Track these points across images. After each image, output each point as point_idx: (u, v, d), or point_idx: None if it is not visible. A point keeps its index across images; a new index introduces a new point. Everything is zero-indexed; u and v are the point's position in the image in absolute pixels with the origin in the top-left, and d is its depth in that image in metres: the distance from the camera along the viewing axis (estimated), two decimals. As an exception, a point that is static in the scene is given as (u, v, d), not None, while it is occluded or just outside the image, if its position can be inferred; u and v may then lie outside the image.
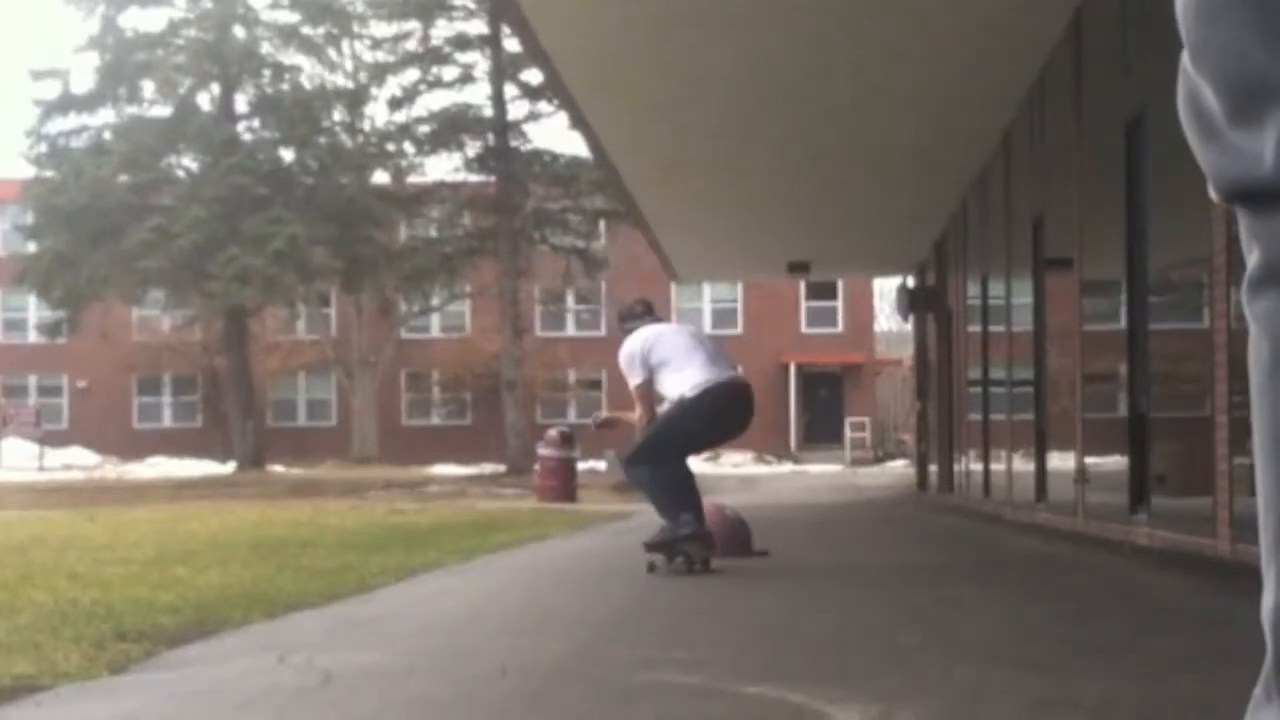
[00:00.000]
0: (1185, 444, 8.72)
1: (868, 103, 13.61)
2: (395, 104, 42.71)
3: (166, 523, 14.59)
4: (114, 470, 43.00)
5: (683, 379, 8.75)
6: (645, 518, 15.78)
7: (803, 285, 46.24)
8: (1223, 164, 1.07)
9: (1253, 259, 1.07)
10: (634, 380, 8.86)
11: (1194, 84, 1.10)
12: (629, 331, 9.00)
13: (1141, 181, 9.17)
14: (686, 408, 8.68)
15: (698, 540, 8.34)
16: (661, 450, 8.68)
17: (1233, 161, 1.06)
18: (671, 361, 8.80)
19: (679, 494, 8.55)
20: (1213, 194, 1.11)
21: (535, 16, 11.10)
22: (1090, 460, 10.80)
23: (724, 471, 37.57)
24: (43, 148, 42.34)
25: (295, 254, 39.94)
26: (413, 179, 45.11)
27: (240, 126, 43.21)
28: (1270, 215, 1.04)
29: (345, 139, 43.83)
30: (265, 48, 43.26)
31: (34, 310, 48.73)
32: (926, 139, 14.92)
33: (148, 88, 42.23)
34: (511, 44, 36.49)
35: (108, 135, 42.22)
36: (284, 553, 9.70)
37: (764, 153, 15.96)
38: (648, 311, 9.29)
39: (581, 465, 23.56)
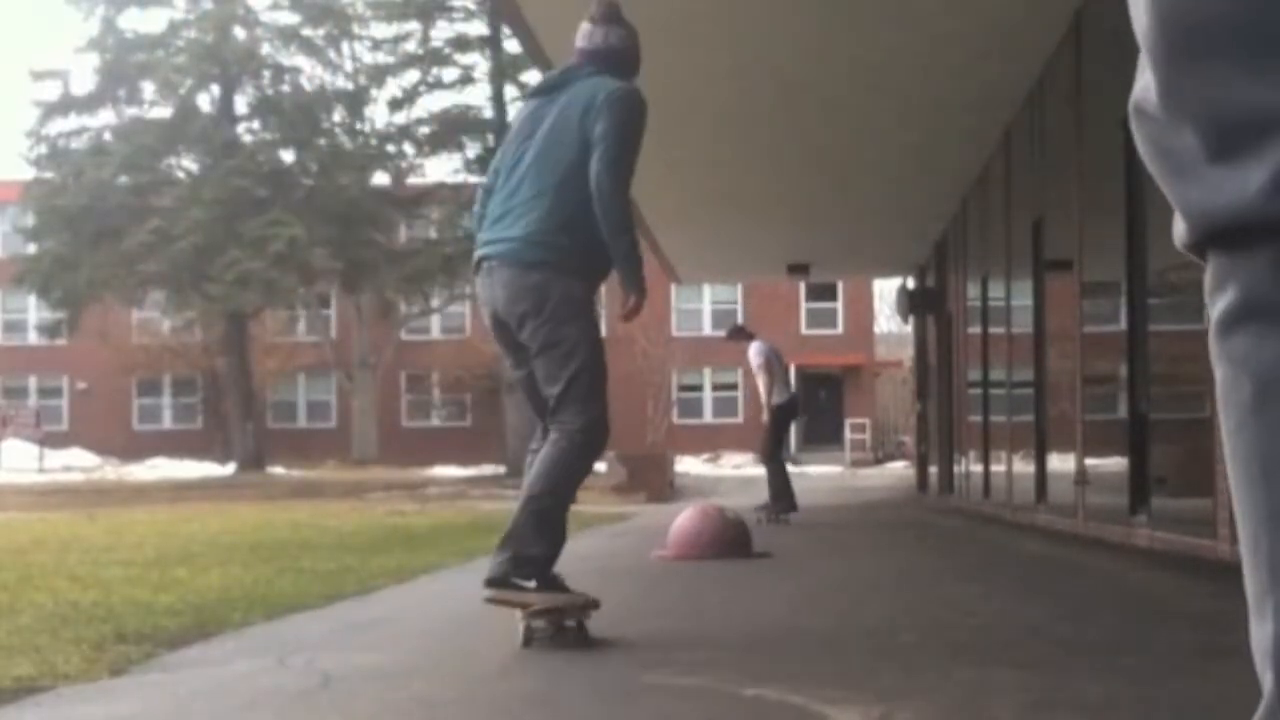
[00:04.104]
0: (1185, 446, 8.72)
1: (868, 103, 13.61)
2: (395, 105, 42.73)
3: (166, 524, 14.59)
4: (114, 472, 43.00)
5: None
6: (644, 519, 15.79)
7: (802, 286, 46.24)
8: (1201, 201, 1.06)
9: (1226, 299, 1.06)
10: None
11: (1157, 124, 1.09)
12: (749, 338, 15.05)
13: (1141, 182, 9.16)
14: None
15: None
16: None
17: (1211, 197, 1.05)
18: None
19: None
20: (1180, 238, 1.10)
21: (535, 18, 11.11)
22: (1090, 462, 10.80)
23: (724, 473, 37.61)
24: (43, 149, 42.36)
25: (296, 256, 39.95)
26: (413, 180, 45.12)
27: (240, 128, 43.23)
28: (1249, 252, 1.04)
29: (345, 140, 43.84)
30: (265, 49, 43.27)
31: (34, 312, 48.75)
32: (926, 139, 14.93)
33: (148, 89, 42.25)
34: (511, 45, 36.50)
35: (108, 136, 42.25)
36: (284, 554, 9.70)
37: (764, 152, 15.96)
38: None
39: (581, 467, 23.54)
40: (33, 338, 49.66)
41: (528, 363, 5.05)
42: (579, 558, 10.29)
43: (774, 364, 14.74)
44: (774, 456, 15.08)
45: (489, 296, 5.04)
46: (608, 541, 12.12)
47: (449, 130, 42.05)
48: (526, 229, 4.95)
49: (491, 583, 4.91)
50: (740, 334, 15.17)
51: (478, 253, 5.10)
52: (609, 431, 5.06)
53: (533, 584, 4.86)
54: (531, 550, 4.86)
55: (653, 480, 24.59)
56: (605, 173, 4.88)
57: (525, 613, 4.89)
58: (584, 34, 5.23)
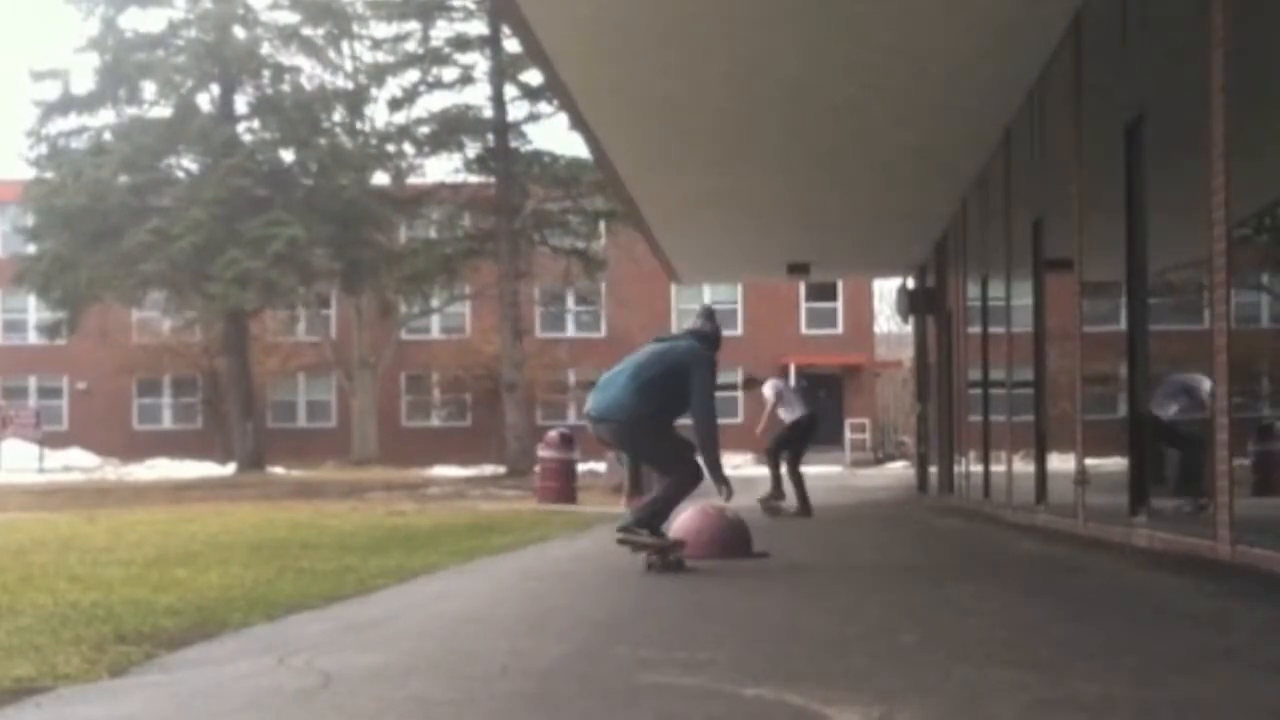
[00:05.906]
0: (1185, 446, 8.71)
1: (868, 103, 13.61)
2: (395, 105, 42.69)
3: (166, 524, 14.59)
4: (114, 472, 42.99)
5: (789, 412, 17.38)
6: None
7: (802, 286, 46.23)
8: None
9: None
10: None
11: None
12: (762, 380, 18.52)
13: (1141, 182, 9.17)
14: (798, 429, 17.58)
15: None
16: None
17: None
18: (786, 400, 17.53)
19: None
20: None
21: (535, 17, 11.11)
22: (1090, 462, 10.80)
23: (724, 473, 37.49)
24: (43, 149, 42.32)
25: (295, 256, 39.92)
26: (413, 180, 45.09)
27: (240, 127, 43.20)
28: None
29: (345, 140, 43.81)
30: (265, 48, 43.23)
31: (34, 312, 48.75)
32: (926, 139, 14.92)
33: (148, 88, 42.20)
34: (511, 44, 36.50)
35: (107, 136, 42.20)
36: (284, 554, 9.71)
37: (764, 153, 15.96)
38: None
39: (581, 467, 23.54)
40: (33, 338, 49.67)
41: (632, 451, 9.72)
42: (581, 557, 10.32)
43: (785, 392, 17.77)
44: (774, 453, 17.32)
45: (598, 433, 8.96)
46: (608, 542, 12.09)
47: (449, 130, 42.01)
48: (618, 399, 8.70)
49: (622, 529, 8.78)
50: (752, 383, 19.35)
51: (587, 409, 8.98)
52: (701, 470, 8.78)
53: (645, 532, 8.67)
54: (650, 522, 8.71)
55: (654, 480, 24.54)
56: (699, 409, 8.66)
57: (645, 553, 8.61)
58: (693, 319, 9.18)
